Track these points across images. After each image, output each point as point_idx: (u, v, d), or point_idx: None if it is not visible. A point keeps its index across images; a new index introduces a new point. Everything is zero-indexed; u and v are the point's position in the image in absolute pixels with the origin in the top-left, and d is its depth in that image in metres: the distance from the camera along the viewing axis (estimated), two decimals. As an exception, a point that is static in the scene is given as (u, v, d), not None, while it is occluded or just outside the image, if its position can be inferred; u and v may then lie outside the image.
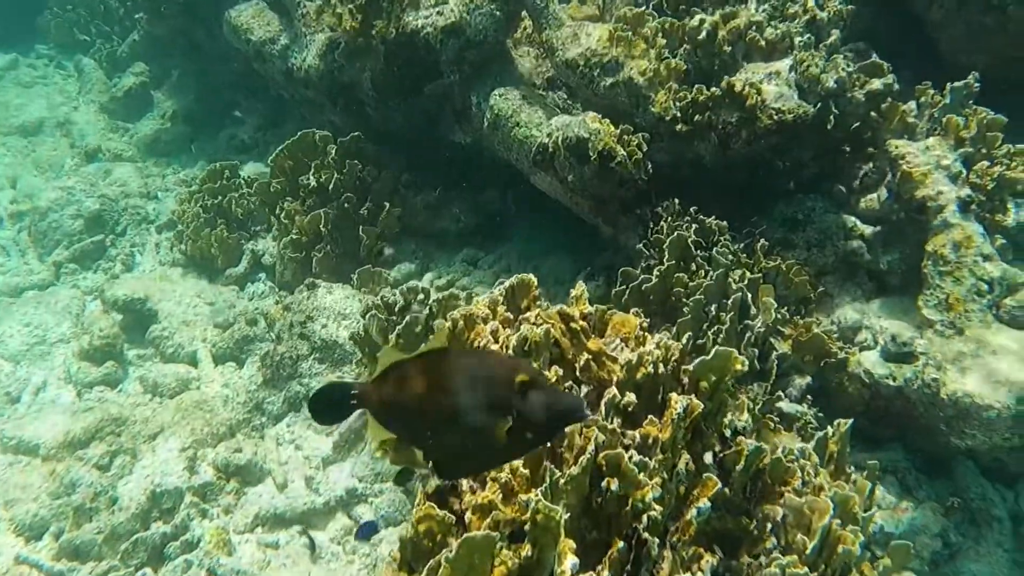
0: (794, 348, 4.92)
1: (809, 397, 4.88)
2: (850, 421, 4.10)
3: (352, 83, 6.78)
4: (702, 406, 2.78)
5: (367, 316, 4.95)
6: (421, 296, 4.96)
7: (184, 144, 9.62)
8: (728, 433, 3.15)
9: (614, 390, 2.75)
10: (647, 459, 2.55)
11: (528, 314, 2.97)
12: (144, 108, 10.09)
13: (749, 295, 4.70)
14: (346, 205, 6.49)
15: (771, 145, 5.20)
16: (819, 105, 5.07)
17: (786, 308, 5.08)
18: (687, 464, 2.76)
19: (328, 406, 2.08)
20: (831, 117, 5.08)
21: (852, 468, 4.67)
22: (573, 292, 3.04)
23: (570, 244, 6.64)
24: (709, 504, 2.77)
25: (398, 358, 2.03)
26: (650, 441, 2.72)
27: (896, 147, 4.84)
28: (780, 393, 4.66)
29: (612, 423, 2.65)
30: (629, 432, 2.75)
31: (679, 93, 5.22)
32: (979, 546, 4.65)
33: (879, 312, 5.10)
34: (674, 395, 2.72)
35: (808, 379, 4.93)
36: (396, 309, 4.91)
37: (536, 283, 3.08)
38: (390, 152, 7.12)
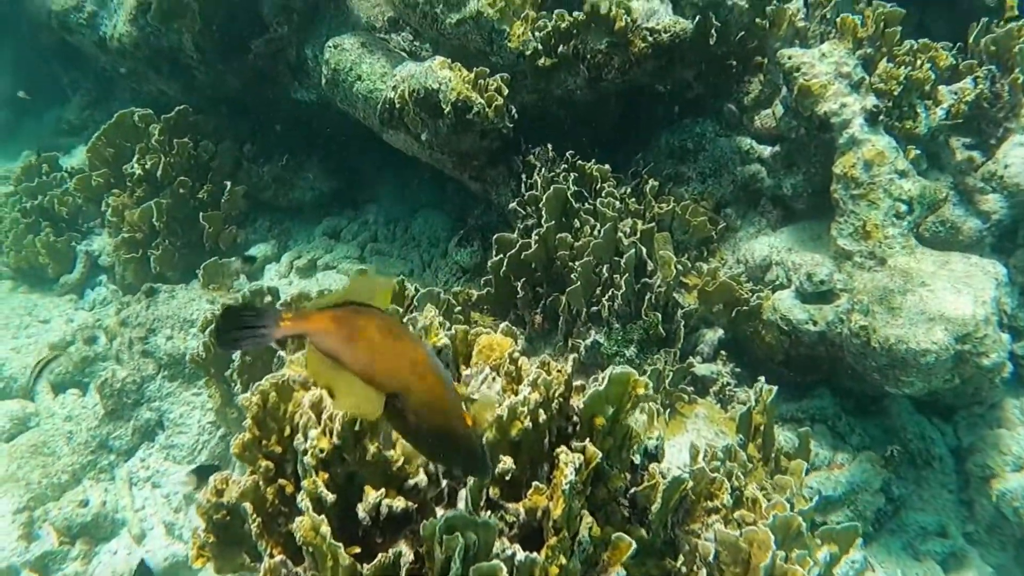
0: (701, 299, 4.36)
1: (723, 353, 4.34)
2: (774, 389, 3.57)
3: (173, 48, 5.90)
4: (600, 454, 2.15)
5: (207, 331, 4.21)
6: (268, 299, 4.23)
7: (6, 134, 8.55)
8: (638, 459, 2.55)
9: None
10: (535, 555, 1.93)
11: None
12: (-44, 96, 8.95)
13: (644, 249, 4.10)
14: (181, 191, 5.66)
15: (649, 70, 4.55)
16: (697, 18, 4.42)
17: (686, 255, 4.50)
18: (590, 529, 2.14)
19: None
20: (712, 30, 4.44)
21: (778, 425, 4.19)
22: (421, 320, 2.37)
23: (440, 198, 5.96)
24: (624, 574, 2.17)
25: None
26: (539, 515, 2.09)
27: (789, 58, 4.23)
28: (691, 360, 4.08)
29: (484, 513, 2.01)
30: (511, 506, 2.12)
31: (538, 22, 4.53)
32: (922, 490, 4.24)
33: (788, 243, 4.55)
34: (564, 453, 2.09)
35: (720, 332, 4.39)
36: (240, 318, 4.19)
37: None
38: (229, 120, 6.28)
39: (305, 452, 2.02)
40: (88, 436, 4.80)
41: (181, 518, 4.43)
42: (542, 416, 2.16)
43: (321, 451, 1.99)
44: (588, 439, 2.24)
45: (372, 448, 2.01)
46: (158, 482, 4.64)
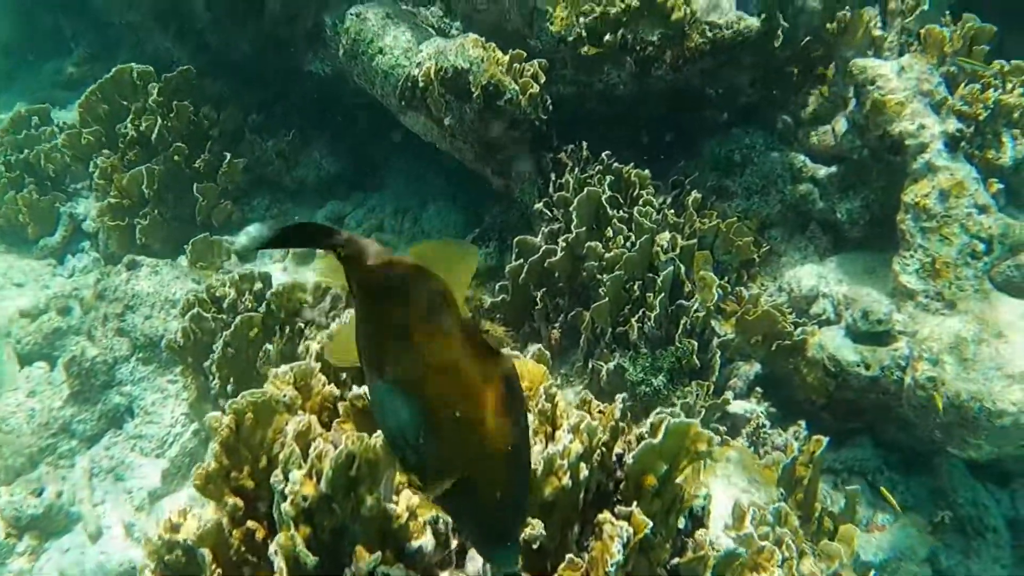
0: (739, 328, 3.92)
1: (758, 389, 3.91)
2: (825, 440, 3.14)
3: (181, 2, 5.47)
4: (649, 524, 1.72)
5: (188, 315, 3.77)
6: (258, 286, 3.79)
7: (2, 84, 8.06)
8: (682, 524, 2.10)
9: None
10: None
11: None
12: (-50, 42, 8.44)
13: (682, 267, 3.67)
14: (176, 158, 5.20)
15: (702, 69, 4.12)
16: (764, 16, 3.98)
17: (726, 278, 4.06)
18: (630, 615, 1.71)
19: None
20: (779, 31, 4.00)
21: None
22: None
23: (457, 190, 5.51)
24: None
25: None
26: (571, 597, 1.66)
27: (864, 68, 3.79)
28: (726, 395, 3.65)
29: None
30: (537, 583, 1.69)
31: (584, 6, 4.08)
32: (971, 563, 3.77)
33: (839, 274, 4.12)
34: (609, 523, 1.66)
35: (757, 366, 3.95)
36: (226, 304, 3.74)
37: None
38: (237, 88, 5.82)
39: (284, 497, 1.57)
40: (49, 417, 4.35)
41: (143, 518, 3.99)
42: (583, 472, 1.73)
43: (304, 499, 1.55)
44: (635, 502, 1.80)
45: (369, 499, 1.57)
46: (121, 475, 4.20)
